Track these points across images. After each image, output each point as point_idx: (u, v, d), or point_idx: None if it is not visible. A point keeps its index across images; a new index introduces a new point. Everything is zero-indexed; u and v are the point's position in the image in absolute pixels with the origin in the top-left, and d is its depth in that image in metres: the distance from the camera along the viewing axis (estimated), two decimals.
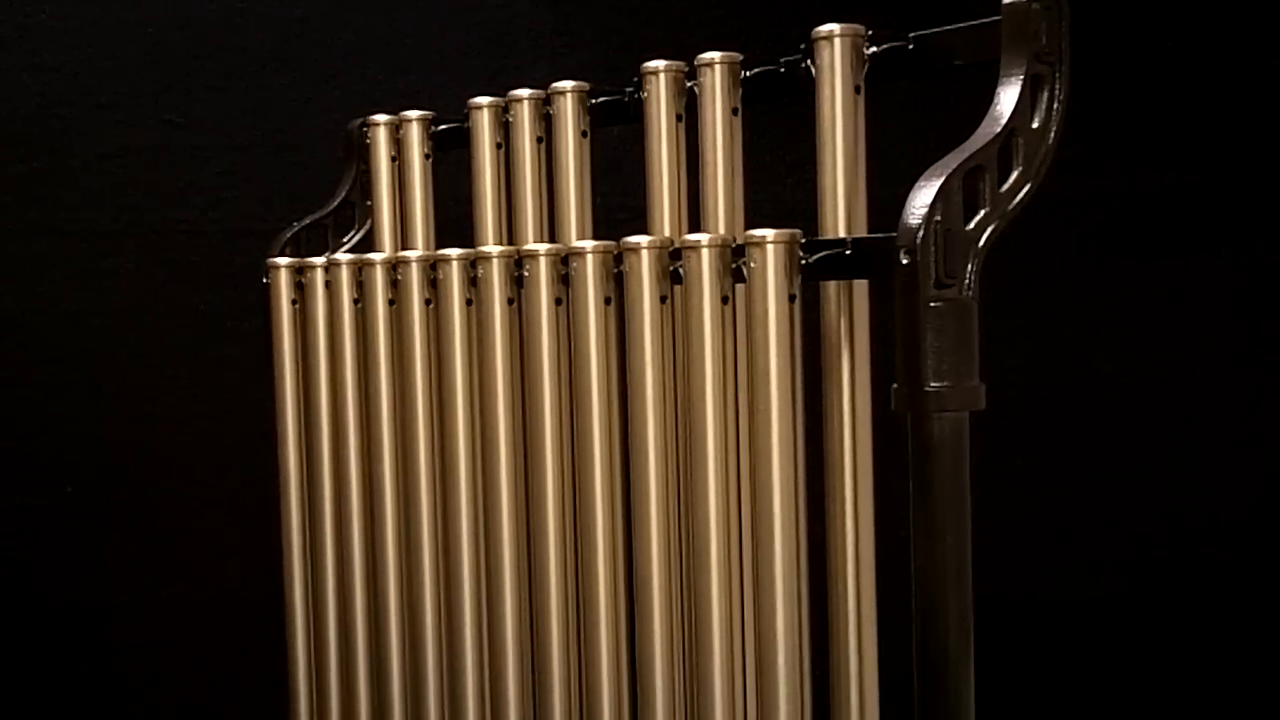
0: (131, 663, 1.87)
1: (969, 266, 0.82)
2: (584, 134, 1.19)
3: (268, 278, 1.35)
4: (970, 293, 0.81)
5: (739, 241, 0.94)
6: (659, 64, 1.11)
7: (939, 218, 0.80)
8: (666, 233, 1.11)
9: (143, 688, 1.88)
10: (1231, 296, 1.86)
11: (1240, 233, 1.85)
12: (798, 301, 0.91)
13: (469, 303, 1.13)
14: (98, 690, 1.87)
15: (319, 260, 1.31)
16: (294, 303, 1.33)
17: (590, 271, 1.01)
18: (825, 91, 1.00)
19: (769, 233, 0.90)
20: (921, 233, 0.79)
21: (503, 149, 1.25)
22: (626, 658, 1.03)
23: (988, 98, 0.87)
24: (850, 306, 0.97)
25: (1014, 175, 0.86)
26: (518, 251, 1.09)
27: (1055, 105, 0.87)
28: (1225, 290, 1.86)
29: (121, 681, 1.88)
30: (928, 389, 0.80)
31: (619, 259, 1.00)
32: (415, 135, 1.34)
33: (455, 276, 1.13)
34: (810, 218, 1.00)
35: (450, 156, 1.36)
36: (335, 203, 1.41)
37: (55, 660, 1.87)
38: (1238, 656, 1.88)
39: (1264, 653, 1.88)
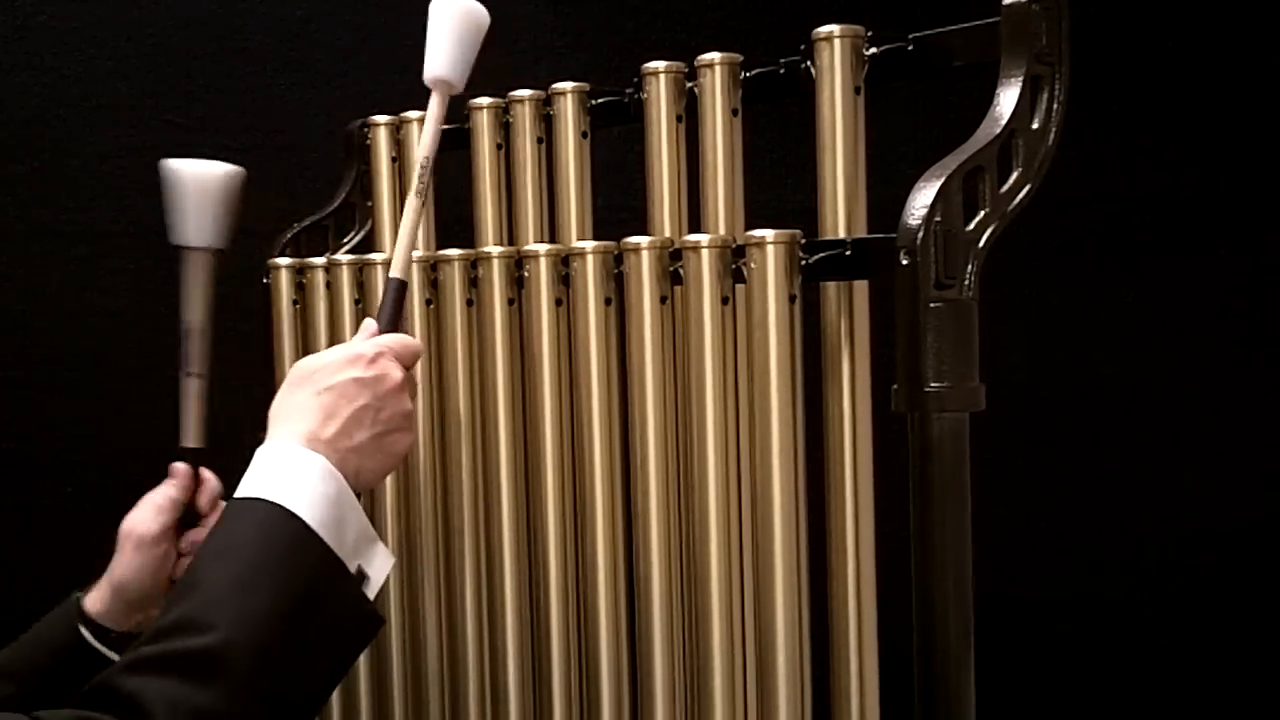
0: None
1: (969, 267, 0.82)
2: (584, 134, 1.19)
3: (268, 278, 1.35)
4: (970, 293, 0.81)
5: (739, 242, 0.94)
6: (659, 64, 1.11)
7: (939, 218, 0.80)
8: (666, 233, 1.11)
9: None
10: (1231, 296, 1.86)
11: (1240, 233, 1.85)
12: (798, 302, 0.91)
13: (469, 303, 1.13)
14: None
15: (320, 261, 1.31)
16: (295, 303, 1.33)
17: (590, 272, 1.01)
18: (825, 92, 1.00)
19: (769, 233, 0.90)
20: (921, 233, 0.79)
21: (503, 149, 1.25)
22: (627, 657, 1.03)
23: (987, 99, 0.87)
24: (850, 307, 0.97)
25: (1014, 176, 0.86)
26: (518, 252, 1.09)
27: (1055, 106, 0.87)
28: (1225, 290, 1.86)
29: None
30: (928, 389, 0.80)
31: (619, 259, 1.00)
32: (415, 136, 1.34)
33: (456, 277, 1.13)
34: (810, 218, 1.00)
35: (450, 157, 1.36)
36: (336, 203, 1.41)
37: None
38: (1237, 656, 1.88)
39: (1264, 652, 1.88)
